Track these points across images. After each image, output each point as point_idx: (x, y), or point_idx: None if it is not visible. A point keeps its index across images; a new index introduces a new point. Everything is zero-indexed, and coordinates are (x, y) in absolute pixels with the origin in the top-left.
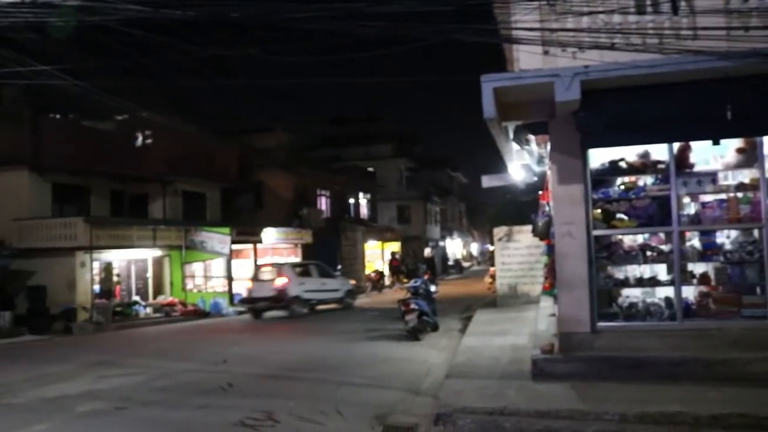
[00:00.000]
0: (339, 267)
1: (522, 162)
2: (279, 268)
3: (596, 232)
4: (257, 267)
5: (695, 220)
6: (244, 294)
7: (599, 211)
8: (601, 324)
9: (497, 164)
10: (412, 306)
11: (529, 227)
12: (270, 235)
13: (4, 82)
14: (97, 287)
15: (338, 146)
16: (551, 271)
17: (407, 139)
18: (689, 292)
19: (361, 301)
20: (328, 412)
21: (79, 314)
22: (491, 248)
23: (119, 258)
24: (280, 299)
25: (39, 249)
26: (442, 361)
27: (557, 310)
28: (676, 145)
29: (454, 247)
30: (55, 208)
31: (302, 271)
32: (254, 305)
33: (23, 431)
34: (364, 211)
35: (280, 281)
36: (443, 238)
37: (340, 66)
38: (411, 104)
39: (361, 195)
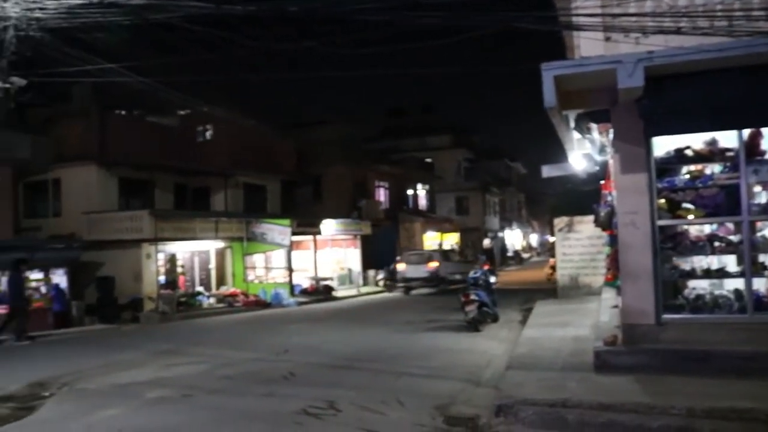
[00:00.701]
0: (398, 258)
1: (583, 151)
2: (430, 254)
3: (661, 222)
4: (407, 252)
5: (767, 210)
6: (401, 271)
7: (664, 200)
8: (667, 316)
9: (557, 154)
10: (472, 297)
11: (591, 217)
12: (329, 226)
13: (72, 81)
14: (162, 278)
15: (396, 138)
16: (614, 261)
17: (465, 129)
18: (761, 284)
19: (420, 291)
20: (389, 402)
21: (146, 304)
22: (551, 239)
23: (183, 250)
24: (431, 279)
25: (107, 241)
26: (502, 352)
27: (620, 301)
28: (746, 132)
29: (513, 237)
30: (122, 201)
31: (445, 256)
32: (408, 284)
33: (97, 415)
34: (422, 202)
35: (433, 264)
36: (502, 228)
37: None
38: (469, 95)
39: (419, 186)
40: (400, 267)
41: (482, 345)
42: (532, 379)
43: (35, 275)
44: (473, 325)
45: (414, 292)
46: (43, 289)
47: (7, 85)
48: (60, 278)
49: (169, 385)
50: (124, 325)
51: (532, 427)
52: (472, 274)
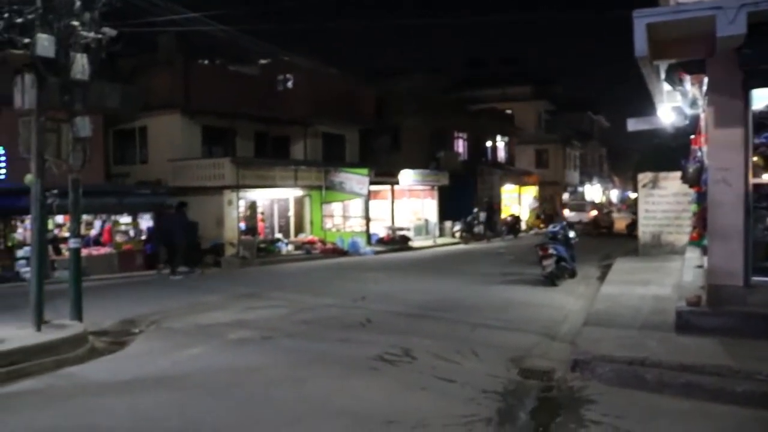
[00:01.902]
0: (475, 210)
1: (673, 104)
2: (591, 203)
3: (756, 180)
4: (573, 201)
5: None
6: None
7: (759, 157)
8: (756, 278)
9: (644, 106)
10: (550, 251)
11: (677, 174)
12: (407, 176)
13: (159, 30)
14: (242, 224)
15: (476, 88)
16: (701, 220)
17: (547, 80)
18: None
19: (496, 244)
20: (464, 352)
21: (227, 249)
22: (633, 195)
23: (263, 197)
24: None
25: (191, 187)
26: (579, 308)
27: (706, 261)
28: None
29: (593, 193)
30: (205, 149)
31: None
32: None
33: (182, 353)
34: (501, 154)
35: (593, 213)
36: (582, 183)
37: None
38: (553, 44)
39: (498, 138)
40: (566, 212)
41: (559, 300)
42: (610, 336)
43: (124, 219)
44: (550, 280)
45: (495, 244)
46: (132, 233)
47: (99, 36)
48: (148, 223)
49: (249, 327)
50: (207, 269)
51: (609, 384)
52: (551, 227)
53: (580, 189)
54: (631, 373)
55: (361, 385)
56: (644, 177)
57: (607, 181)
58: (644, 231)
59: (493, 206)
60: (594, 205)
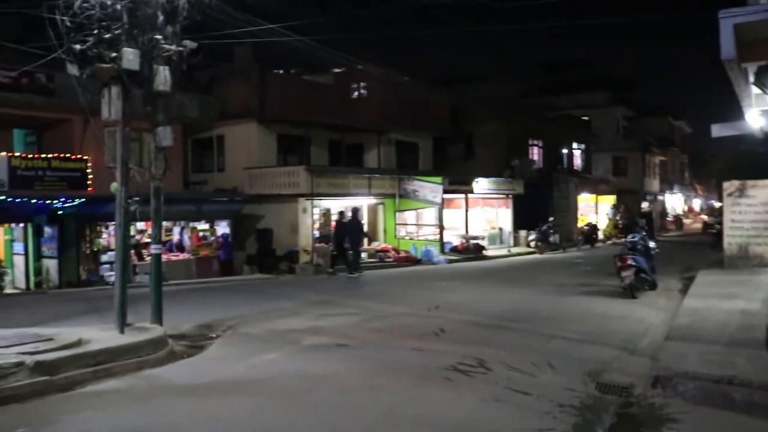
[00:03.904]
0: (551, 219)
1: (763, 108)
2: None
3: None
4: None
5: None
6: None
7: None
8: None
9: (731, 111)
10: (629, 261)
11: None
12: (481, 185)
13: (235, 42)
14: (316, 232)
15: (551, 94)
16: None
17: (624, 85)
18: None
19: (573, 254)
20: (540, 364)
21: (301, 256)
22: (717, 204)
23: (337, 205)
24: None
25: (266, 195)
26: (660, 321)
27: None
28: None
29: (674, 201)
30: (280, 157)
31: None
32: None
33: (258, 358)
34: (577, 162)
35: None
36: (662, 191)
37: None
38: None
39: (574, 145)
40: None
41: (638, 312)
42: (694, 351)
43: (202, 226)
44: (629, 291)
45: (571, 254)
46: (209, 239)
47: (180, 49)
48: (223, 230)
49: (324, 333)
50: (281, 276)
51: (693, 403)
52: (630, 238)
53: (660, 197)
54: (717, 391)
55: (435, 395)
56: (730, 185)
57: (689, 189)
58: (730, 242)
59: (650, 214)
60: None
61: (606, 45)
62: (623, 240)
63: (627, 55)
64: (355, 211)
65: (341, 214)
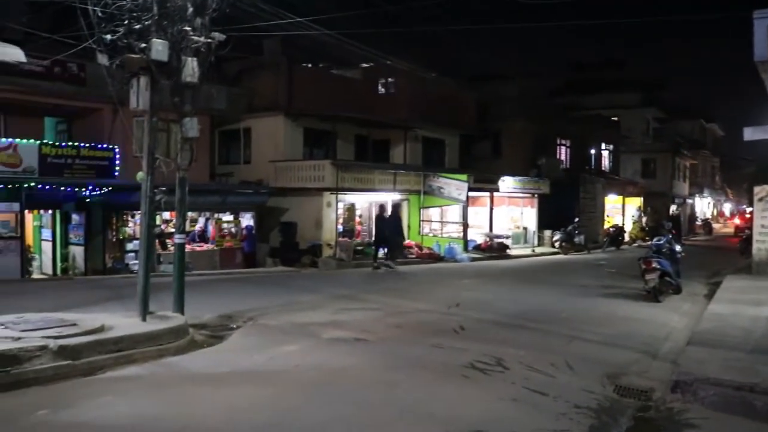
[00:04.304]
0: (576, 220)
1: None
2: None
3: None
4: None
5: None
6: None
7: None
8: None
9: (763, 114)
10: (654, 264)
11: None
12: (507, 183)
13: (264, 34)
14: (340, 226)
15: (580, 94)
16: None
17: (655, 86)
18: None
19: (597, 256)
20: (558, 365)
21: (324, 250)
22: (749, 209)
23: (361, 200)
24: None
25: (291, 188)
26: (683, 326)
27: None
28: None
29: (704, 205)
30: (306, 151)
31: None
32: None
33: (278, 350)
34: (605, 162)
35: None
36: (691, 195)
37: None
38: (662, 48)
39: (602, 146)
40: None
41: (661, 316)
42: (716, 357)
43: (227, 217)
44: (653, 295)
45: (595, 256)
46: (233, 231)
47: (209, 40)
48: (248, 222)
49: (343, 327)
50: (304, 269)
51: (713, 409)
52: (655, 240)
53: (689, 201)
54: (738, 399)
55: (452, 392)
56: (761, 190)
57: (720, 193)
58: (759, 248)
59: (678, 217)
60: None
61: (638, 45)
62: (649, 243)
63: (659, 56)
64: (396, 206)
65: (382, 208)
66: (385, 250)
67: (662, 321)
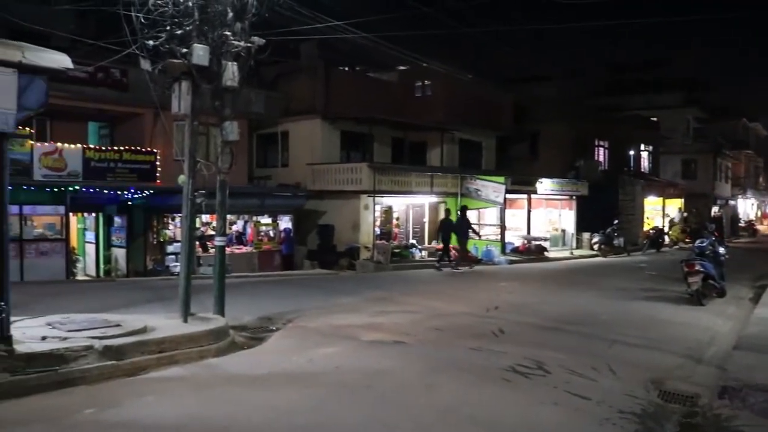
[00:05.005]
0: (615, 222)
1: None
2: None
3: None
4: None
5: None
6: None
7: None
8: None
9: None
10: (697, 267)
11: None
12: (545, 185)
13: (302, 38)
14: (377, 229)
15: (619, 95)
16: None
17: (696, 86)
18: None
19: (637, 258)
20: (600, 368)
21: (362, 253)
22: None
23: (398, 203)
24: None
25: (328, 191)
26: (728, 330)
27: None
28: None
29: (747, 206)
30: (343, 154)
31: None
32: None
33: (317, 351)
34: (644, 163)
35: None
36: (734, 196)
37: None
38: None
39: (642, 147)
40: None
41: (705, 320)
42: (765, 363)
43: (265, 220)
44: (696, 298)
45: (635, 258)
46: (272, 233)
47: (249, 45)
48: (286, 224)
49: (382, 330)
50: (341, 272)
51: (763, 416)
52: (698, 243)
53: (731, 202)
54: None
55: (492, 396)
56: None
57: (764, 194)
58: None
59: (721, 219)
60: None
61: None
62: (691, 245)
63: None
64: (464, 209)
65: (447, 211)
66: (450, 252)
67: (706, 325)
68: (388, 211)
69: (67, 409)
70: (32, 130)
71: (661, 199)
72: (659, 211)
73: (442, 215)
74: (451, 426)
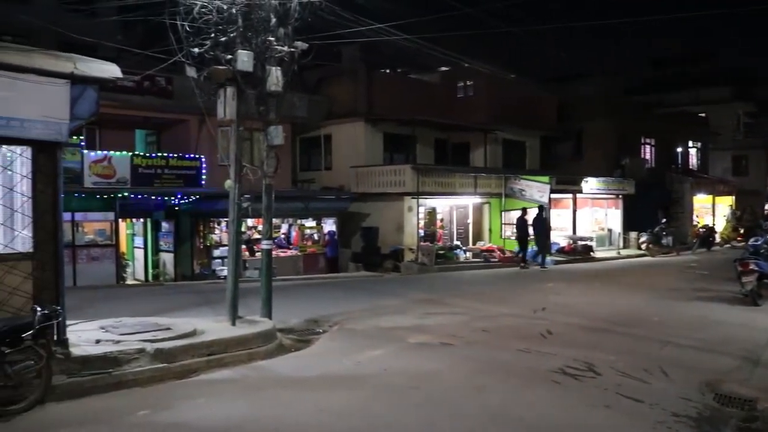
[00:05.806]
0: (663, 221)
1: None
2: None
3: None
4: None
5: None
6: None
7: None
8: None
9: None
10: (752, 266)
11: None
12: (590, 184)
13: (344, 42)
14: (421, 231)
15: (665, 90)
16: None
17: (747, 79)
18: None
19: (687, 258)
20: (652, 370)
21: (406, 255)
22: None
23: (442, 204)
24: None
25: (372, 193)
26: None
27: None
28: None
29: None
30: (386, 156)
31: None
32: None
33: (364, 354)
34: (692, 161)
35: None
36: None
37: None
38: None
39: (689, 143)
40: None
41: (761, 321)
42: None
43: (309, 223)
44: (751, 298)
45: (684, 257)
46: (316, 236)
47: (292, 50)
48: (330, 227)
49: (428, 332)
50: (386, 274)
51: None
52: (752, 241)
53: None
54: None
55: (541, 398)
56: None
57: None
58: None
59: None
60: None
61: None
62: (744, 243)
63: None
64: (541, 209)
65: (524, 210)
66: (530, 250)
67: (762, 326)
68: (431, 213)
69: (122, 411)
70: (83, 139)
71: (711, 196)
72: (709, 209)
73: (518, 213)
74: (499, 428)
